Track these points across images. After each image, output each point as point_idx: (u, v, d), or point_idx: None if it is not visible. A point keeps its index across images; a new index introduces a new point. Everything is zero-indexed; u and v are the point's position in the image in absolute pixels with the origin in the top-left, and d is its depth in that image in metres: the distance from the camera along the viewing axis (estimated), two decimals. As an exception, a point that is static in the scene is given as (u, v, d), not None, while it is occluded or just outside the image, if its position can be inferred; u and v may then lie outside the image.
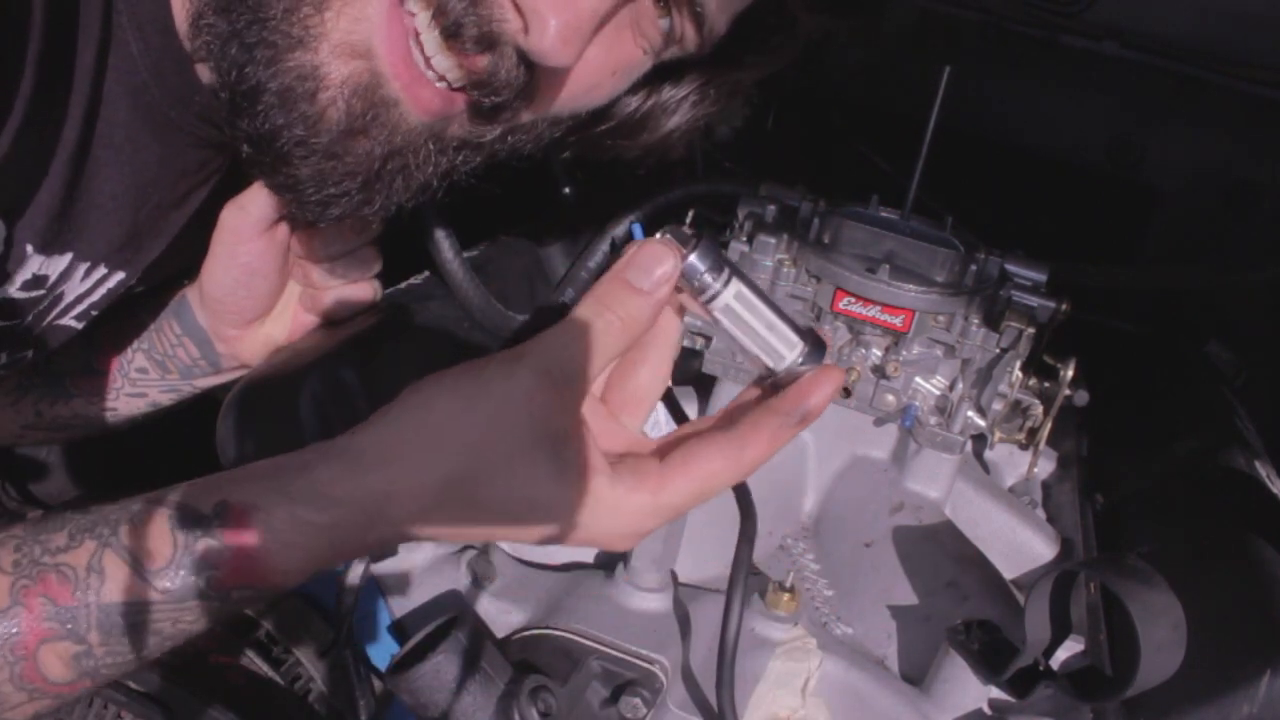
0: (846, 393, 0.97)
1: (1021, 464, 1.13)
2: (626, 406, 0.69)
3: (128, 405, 1.04)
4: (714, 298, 0.63)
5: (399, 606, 0.91)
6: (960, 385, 0.95)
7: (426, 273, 1.08)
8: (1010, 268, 1.01)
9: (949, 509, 1.00)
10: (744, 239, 0.99)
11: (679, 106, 0.94)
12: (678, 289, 0.63)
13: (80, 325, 0.91)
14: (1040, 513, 1.09)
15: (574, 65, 0.76)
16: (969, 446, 1.00)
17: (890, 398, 0.98)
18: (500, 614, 0.88)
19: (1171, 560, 0.77)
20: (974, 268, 0.97)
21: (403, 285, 1.07)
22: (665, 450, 0.65)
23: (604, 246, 1.20)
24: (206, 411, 0.94)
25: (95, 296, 0.89)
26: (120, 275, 0.89)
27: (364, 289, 0.98)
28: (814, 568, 0.98)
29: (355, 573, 0.82)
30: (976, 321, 0.95)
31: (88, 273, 0.86)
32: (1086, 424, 1.17)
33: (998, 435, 0.98)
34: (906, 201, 0.99)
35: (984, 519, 1.02)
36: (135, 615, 0.59)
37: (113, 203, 0.82)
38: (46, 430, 1.06)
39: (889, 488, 1.00)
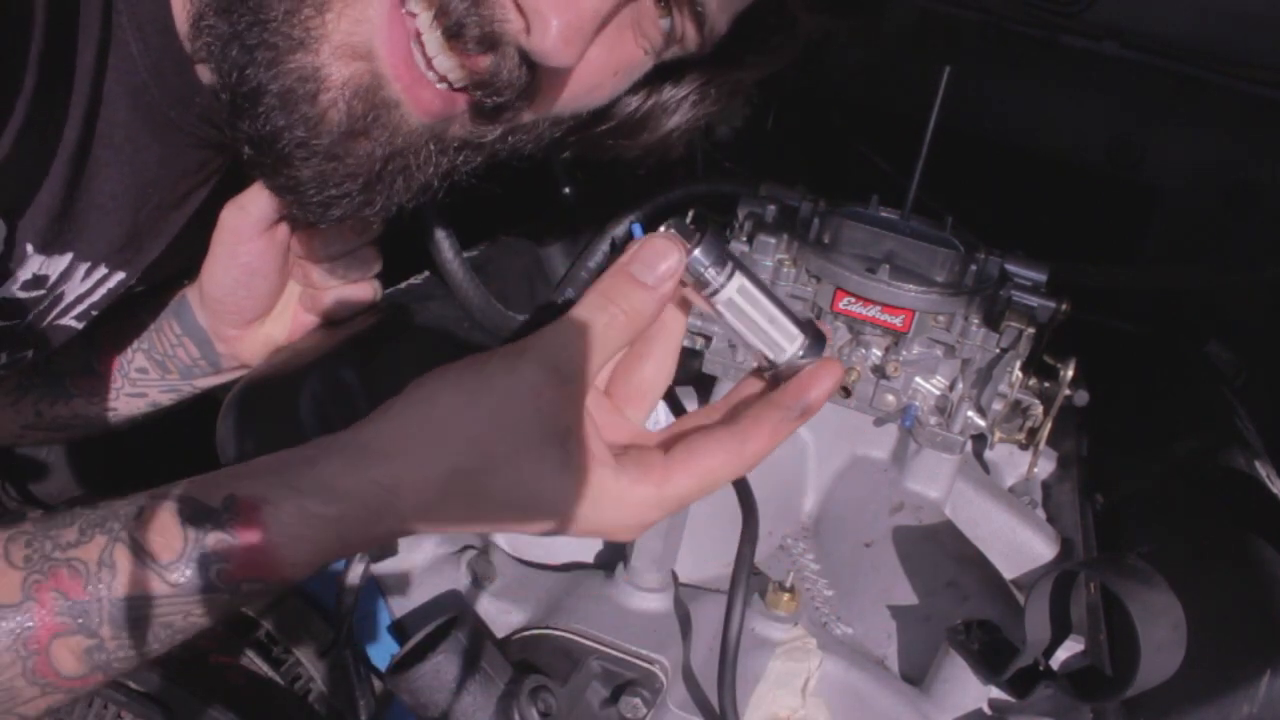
0: (846, 392, 0.97)
1: (1021, 464, 1.13)
2: (630, 400, 0.70)
3: (128, 405, 1.04)
4: (717, 292, 0.63)
5: (399, 606, 0.91)
6: (960, 385, 0.95)
7: (426, 273, 1.08)
8: (1010, 268, 1.01)
9: (949, 509, 1.00)
10: (744, 239, 0.99)
11: (679, 106, 0.94)
12: (681, 283, 0.64)
13: (80, 325, 0.91)
14: (1040, 513, 1.09)
15: (576, 65, 0.76)
16: (969, 446, 1.00)
17: (890, 398, 0.97)
18: (500, 614, 0.88)
19: (1171, 560, 0.77)
20: (974, 268, 0.96)
21: (403, 285, 1.07)
22: (669, 443, 0.66)
23: (604, 246, 1.20)
24: (206, 411, 0.94)
25: (95, 296, 0.89)
26: (120, 275, 0.89)
27: (364, 289, 0.98)
28: (814, 568, 0.98)
29: (355, 573, 0.82)
30: (976, 321, 0.95)
31: (88, 273, 0.86)
32: (1086, 424, 1.17)
33: (998, 435, 0.98)
34: (906, 201, 0.99)
35: (984, 519, 1.02)
36: (147, 609, 0.60)
37: (113, 203, 0.82)
38: (46, 430, 1.06)
39: (889, 488, 1.00)
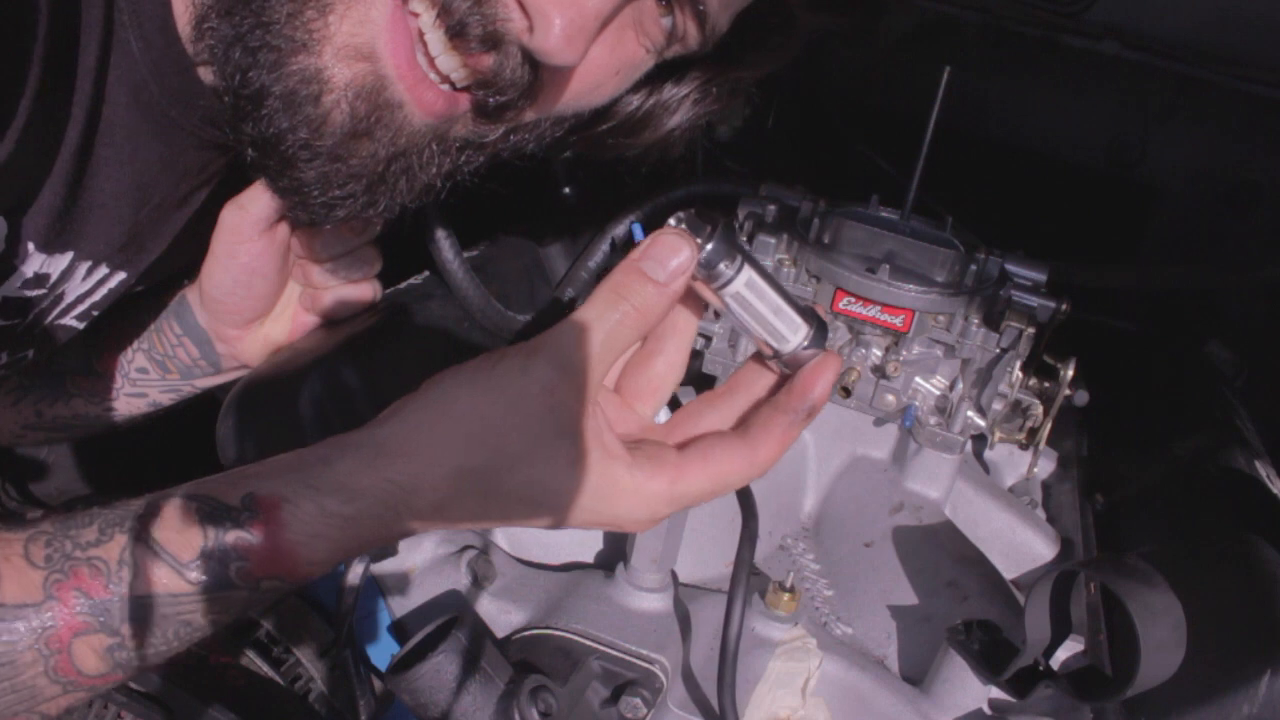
0: (846, 393, 0.97)
1: (1021, 464, 1.13)
2: (641, 395, 0.70)
3: (128, 405, 1.04)
4: (726, 284, 0.63)
5: (399, 606, 0.91)
6: (960, 385, 0.95)
7: (426, 272, 1.08)
8: (1010, 268, 1.01)
9: (949, 509, 1.00)
10: (744, 239, 0.99)
11: (680, 105, 0.94)
12: (690, 276, 0.64)
13: (81, 325, 0.91)
14: (1040, 513, 1.09)
15: (578, 64, 0.76)
16: (969, 446, 1.01)
17: (890, 398, 0.98)
18: (500, 614, 0.88)
19: (1171, 560, 0.77)
20: (974, 268, 0.97)
21: (403, 285, 1.07)
22: (682, 441, 0.67)
23: (604, 246, 1.20)
24: (206, 411, 0.94)
25: (96, 296, 0.89)
26: (122, 275, 0.89)
27: (364, 289, 0.98)
28: (814, 568, 0.98)
29: (355, 573, 0.82)
30: (976, 321, 0.95)
31: (89, 272, 0.86)
32: (1086, 424, 1.17)
33: (998, 435, 0.98)
34: (906, 201, 0.99)
35: (984, 519, 1.02)
36: (167, 607, 0.60)
37: (113, 202, 0.82)
38: (46, 430, 1.06)
39: (889, 488, 1.00)
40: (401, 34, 0.73)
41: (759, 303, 0.64)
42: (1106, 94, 1.40)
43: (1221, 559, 0.92)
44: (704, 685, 0.82)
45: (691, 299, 0.69)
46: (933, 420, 0.97)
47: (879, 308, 0.94)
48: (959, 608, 0.88)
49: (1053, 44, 1.38)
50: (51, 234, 0.79)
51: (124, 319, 1.00)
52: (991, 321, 0.95)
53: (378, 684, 0.88)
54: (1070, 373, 0.94)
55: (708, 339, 1.00)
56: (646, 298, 0.62)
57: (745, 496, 0.85)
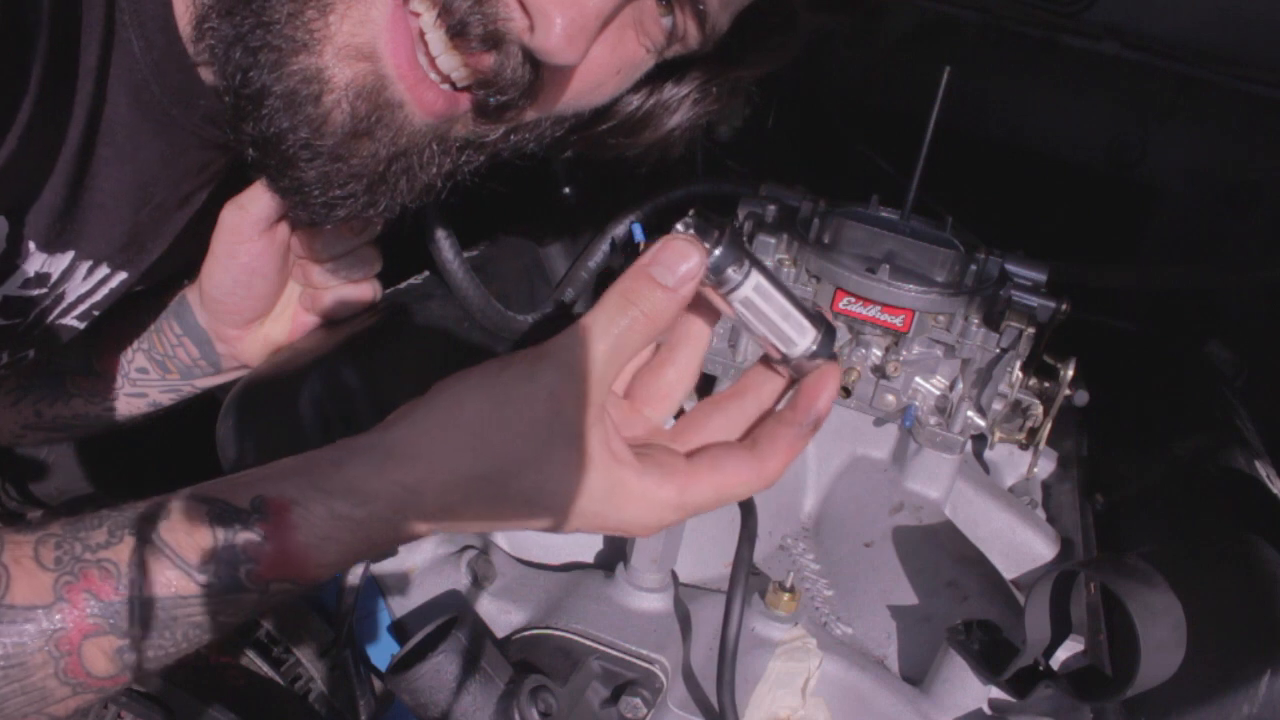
0: (846, 393, 0.97)
1: (1021, 464, 1.13)
2: (651, 402, 0.71)
3: (128, 405, 1.04)
4: (734, 289, 0.63)
5: (399, 606, 0.91)
6: (960, 385, 0.95)
7: (426, 272, 1.08)
8: (1010, 268, 1.01)
9: (949, 509, 1.00)
10: (745, 241, 0.99)
11: (681, 105, 0.94)
12: (699, 281, 0.64)
13: (82, 325, 0.91)
14: (1040, 513, 1.09)
15: (579, 64, 0.76)
16: (969, 446, 1.01)
17: (890, 398, 0.98)
18: (500, 614, 0.88)
19: (1171, 560, 0.77)
20: (974, 268, 0.97)
21: (403, 285, 1.07)
22: (690, 449, 0.68)
23: (604, 246, 1.20)
24: (206, 411, 0.94)
25: (98, 296, 0.89)
26: (123, 275, 0.89)
27: (364, 289, 0.98)
28: (814, 568, 0.98)
29: (355, 573, 0.82)
30: (976, 321, 0.95)
31: (90, 271, 0.86)
32: (1086, 424, 1.17)
33: (998, 435, 0.98)
34: (906, 201, 0.99)
35: (984, 519, 1.02)
36: (177, 609, 0.61)
37: (113, 201, 0.82)
38: (46, 430, 1.06)
39: (889, 488, 1.00)
40: (402, 34, 0.73)
41: (767, 307, 0.64)
42: (1106, 94, 1.40)
43: (1221, 559, 0.92)
44: (704, 685, 0.82)
45: (705, 309, 0.69)
46: (933, 420, 0.97)
47: (879, 308, 0.94)
48: (959, 608, 0.88)
49: (1053, 44, 1.39)
50: (53, 233, 0.79)
51: (124, 319, 1.00)
52: (991, 321, 0.95)
53: (378, 684, 0.88)
54: (1070, 373, 0.94)
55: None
56: (656, 303, 0.62)
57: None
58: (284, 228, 0.92)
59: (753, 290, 0.64)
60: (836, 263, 0.95)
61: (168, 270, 0.95)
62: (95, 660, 0.60)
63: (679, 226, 0.63)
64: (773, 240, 0.99)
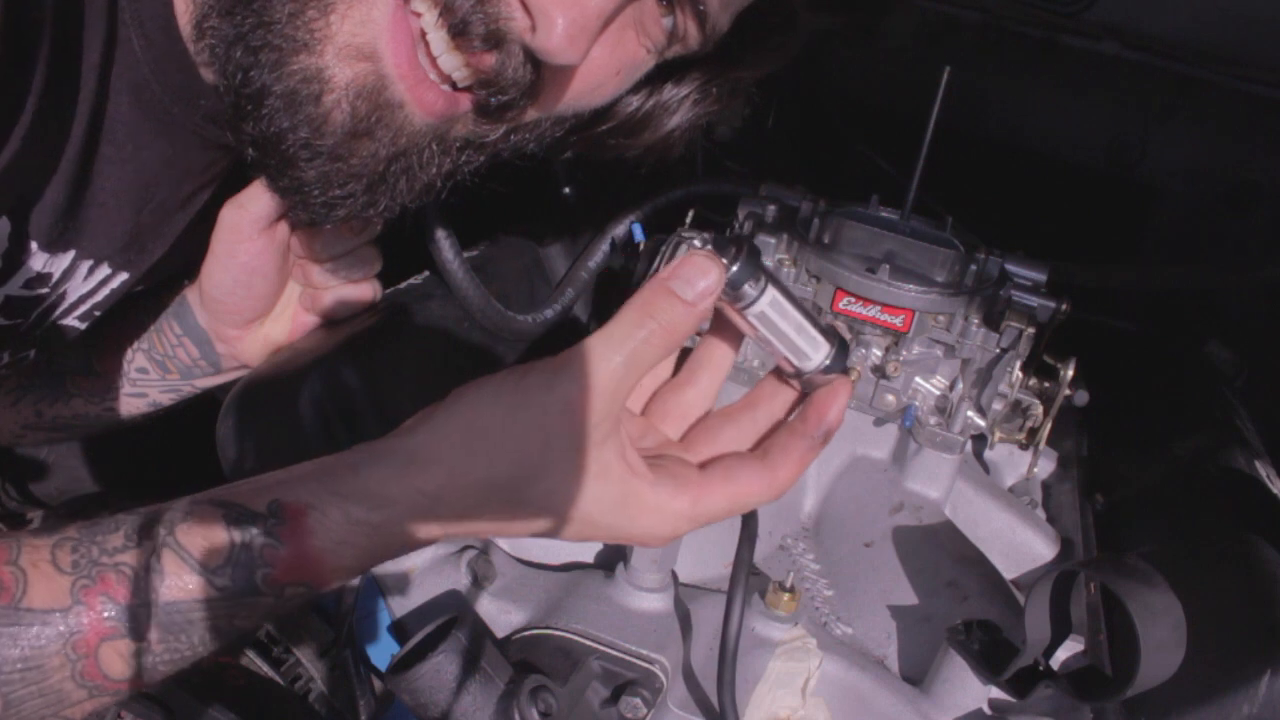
0: (846, 393, 0.97)
1: (1021, 464, 1.13)
2: (667, 419, 0.72)
3: (128, 405, 1.04)
4: (750, 304, 0.65)
5: (399, 606, 0.91)
6: (960, 385, 0.95)
7: (426, 272, 1.08)
8: (1010, 268, 1.01)
9: (949, 509, 1.00)
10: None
11: (681, 105, 0.94)
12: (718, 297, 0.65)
13: (83, 325, 0.91)
14: (1040, 513, 1.09)
15: (580, 64, 0.76)
16: (969, 446, 1.00)
17: (890, 398, 0.98)
18: (500, 614, 0.88)
19: (1171, 560, 0.77)
20: (974, 268, 0.97)
21: (403, 285, 1.07)
22: (702, 460, 0.69)
23: (604, 246, 1.20)
24: (206, 411, 0.94)
25: (99, 297, 0.89)
26: (124, 276, 0.89)
27: (364, 289, 0.98)
28: (814, 568, 0.98)
29: (355, 573, 0.82)
30: (976, 321, 0.95)
31: (90, 271, 0.86)
32: (1086, 424, 1.17)
33: (998, 435, 0.98)
34: (906, 201, 0.99)
35: (984, 519, 1.02)
36: (193, 613, 0.61)
37: (114, 200, 0.82)
38: (47, 430, 1.06)
39: (889, 488, 1.00)
40: (403, 34, 0.73)
41: (782, 322, 0.65)
42: (1106, 94, 1.40)
43: (1221, 559, 0.92)
44: (704, 685, 0.82)
45: (730, 334, 0.71)
46: (933, 420, 0.97)
47: (879, 308, 0.94)
48: (959, 608, 0.88)
49: (1053, 44, 1.39)
50: (55, 233, 0.79)
51: (124, 319, 1.00)
52: (991, 321, 0.95)
53: (378, 684, 0.88)
54: (1070, 373, 0.94)
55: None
56: (675, 317, 0.62)
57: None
58: (283, 227, 0.92)
59: (768, 305, 0.65)
60: (836, 263, 0.95)
61: (169, 271, 0.95)
62: (112, 663, 0.60)
63: (697, 243, 0.64)
64: (773, 240, 0.99)
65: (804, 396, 0.70)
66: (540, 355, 0.64)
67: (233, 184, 0.90)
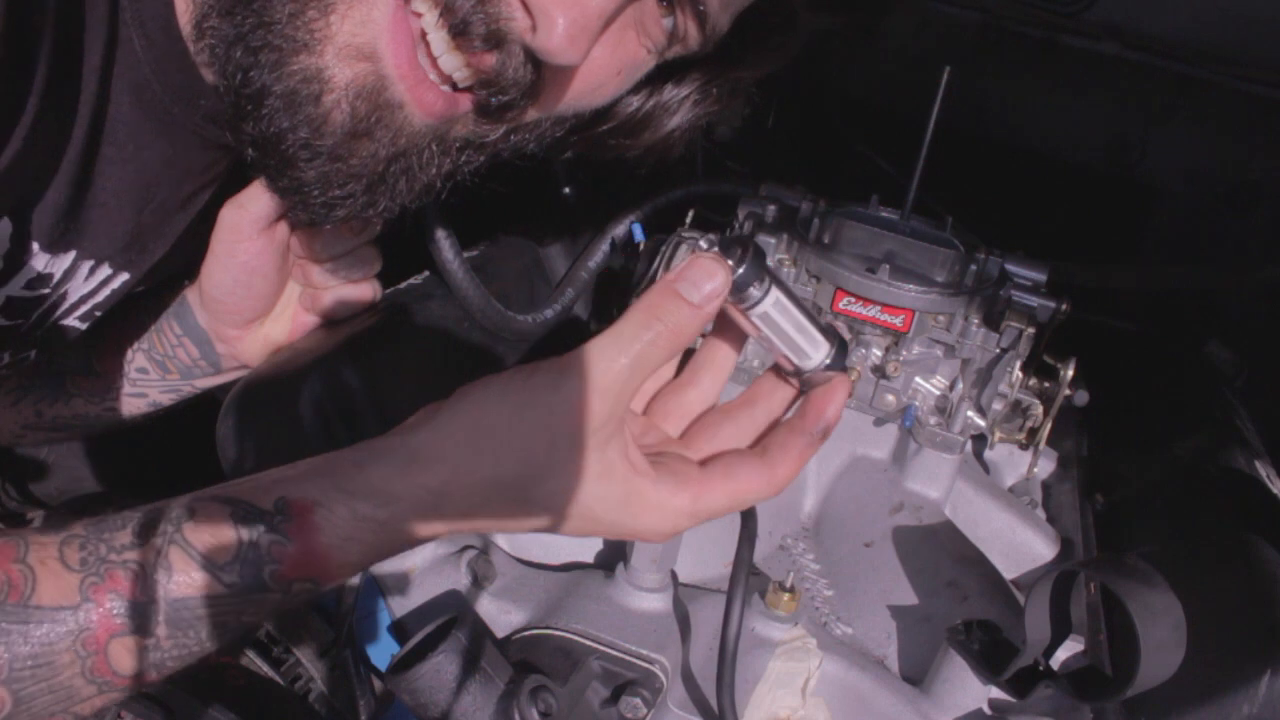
0: (846, 393, 0.97)
1: (1021, 464, 1.13)
2: (668, 418, 0.73)
3: (128, 405, 1.04)
4: (754, 306, 0.65)
5: (399, 606, 0.91)
6: (960, 385, 0.95)
7: (426, 272, 1.08)
8: (1010, 268, 1.01)
9: (949, 509, 1.00)
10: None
11: (681, 105, 0.94)
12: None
13: (84, 325, 0.91)
14: (1040, 513, 1.09)
15: (580, 64, 0.76)
16: (969, 446, 1.00)
17: (890, 398, 0.98)
18: (500, 614, 0.88)
19: (1171, 560, 0.77)
20: (974, 268, 0.96)
21: (403, 285, 1.07)
22: (702, 457, 0.69)
23: (604, 246, 1.20)
24: (206, 411, 0.94)
25: (100, 297, 0.89)
26: (125, 276, 0.89)
27: (364, 289, 0.98)
28: (814, 568, 0.98)
29: (355, 573, 0.82)
30: (976, 321, 0.95)
31: (91, 271, 0.86)
32: (1086, 424, 1.17)
33: (998, 435, 0.98)
34: (906, 201, 0.99)
35: (984, 519, 1.02)
36: (201, 609, 0.61)
37: (115, 200, 0.82)
38: (47, 430, 1.06)
39: (889, 488, 1.00)
40: (403, 34, 0.73)
41: (784, 322, 0.66)
42: (1106, 94, 1.40)
43: (1221, 559, 0.92)
44: (704, 685, 0.82)
45: (733, 336, 0.72)
46: (933, 420, 0.97)
47: (879, 308, 0.94)
48: (959, 608, 0.88)
49: (1053, 44, 1.39)
50: (56, 233, 0.79)
51: (124, 319, 1.00)
52: (991, 321, 0.95)
53: (378, 684, 0.88)
54: (1070, 373, 0.94)
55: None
56: (681, 319, 0.63)
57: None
58: (283, 227, 0.92)
59: (772, 306, 0.65)
60: (836, 263, 0.95)
61: (169, 271, 0.95)
62: (121, 659, 0.60)
63: (703, 245, 0.64)
64: (773, 240, 0.99)
65: (802, 393, 0.71)
66: (541, 355, 0.65)
67: (233, 184, 0.90)
